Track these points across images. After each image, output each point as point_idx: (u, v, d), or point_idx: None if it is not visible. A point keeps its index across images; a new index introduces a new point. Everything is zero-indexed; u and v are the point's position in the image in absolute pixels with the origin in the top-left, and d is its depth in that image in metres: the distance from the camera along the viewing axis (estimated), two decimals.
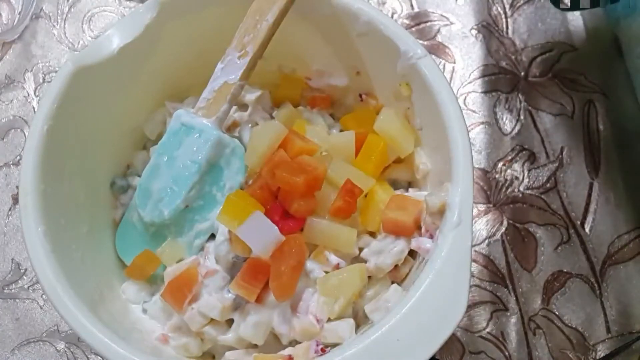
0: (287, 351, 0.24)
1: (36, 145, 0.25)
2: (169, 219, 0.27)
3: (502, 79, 0.36)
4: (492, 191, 0.33)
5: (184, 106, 0.30)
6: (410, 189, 0.28)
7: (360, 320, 0.25)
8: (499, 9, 0.38)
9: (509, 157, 0.34)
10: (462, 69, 0.37)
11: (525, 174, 0.34)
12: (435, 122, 0.25)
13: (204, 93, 0.28)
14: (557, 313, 0.30)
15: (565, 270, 0.31)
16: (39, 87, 0.38)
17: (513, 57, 0.37)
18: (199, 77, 0.28)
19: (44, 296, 0.33)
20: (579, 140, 0.34)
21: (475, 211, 0.33)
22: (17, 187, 0.34)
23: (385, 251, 0.25)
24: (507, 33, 0.37)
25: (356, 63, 0.29)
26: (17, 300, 0.33)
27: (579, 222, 0.32)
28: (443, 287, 0.21)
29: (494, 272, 0.32)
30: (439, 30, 0.38)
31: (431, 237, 0.24)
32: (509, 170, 0.34)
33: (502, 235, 0.32)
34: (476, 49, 0.37)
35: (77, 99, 0.27)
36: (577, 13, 0.37)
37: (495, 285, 0.31)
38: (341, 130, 0.29)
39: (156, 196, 0.27)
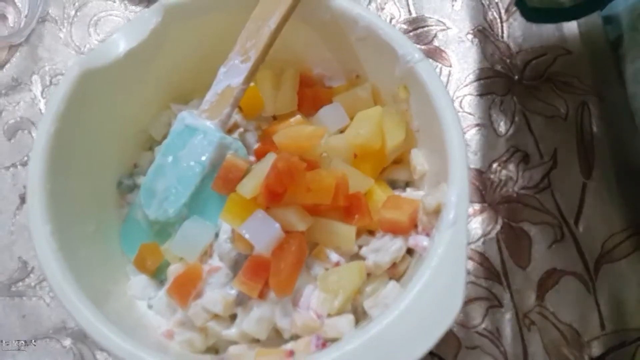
0: (289, 346, 0.24)
1: (43, 147, 0.26)
2: (173, 217, 0.27)
3: (497, 82, 0.37)
4: (487, 191, 0.34)
5: (188, 108, 0.30)
6: (407, 189, 0.29)
7: (360, 316, 0.26)
8: (495, 14, 0.39)
9: (504, 158, 0.35)
10: (458, 73, 0.37)
11: (520, 174, 0.34)
12: (432, 124, 0.25)
13: (207, 96, 0.28)
14: (551, 309, 0.31)
15: (559, 268, 0.32)
16: (45, 89, 0.39)
17: (508, 60, 0.37)
18: (203, 80, 0.29)
19: (50, 294, 0.33)
20: (572, 142, 0.35)
21: (470, 210, 0.33)
22: (25, 186, 0.35)
23: (383, 249, 0.26)
24: (502, 37, 0.38)
25: (355, 67, 0.30)
26: (23, 298, 0.33)
27: (572, 221, 0.33)
28: (440, 283, 0.21)
29: (489, 270, 0.32)
30: (435, 35, 0.39)
31: (428, 235, 0.25)
32: (503, 171, 0.34)
33: (497, 234, 0.33)
34: (472, 53, 0.38)
35: (84, 101, 0.27)
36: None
37: (490, 282, 0.32)
38: None
39: (161, 195, 0.28)
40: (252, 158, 0.29)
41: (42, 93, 0.39)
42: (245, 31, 0.28)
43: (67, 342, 0.32)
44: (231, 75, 0.27)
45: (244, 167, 0.26)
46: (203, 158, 0.27)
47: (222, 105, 0.28)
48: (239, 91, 0.27)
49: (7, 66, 0.40)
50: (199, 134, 0.27)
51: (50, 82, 0.39)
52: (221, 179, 0.26)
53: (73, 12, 0.41)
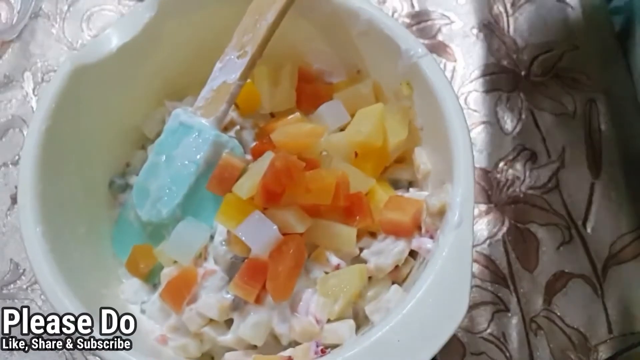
0: (287, 352, 0.24)
1: (35, 145, 0.25)
2: (167, 218, 0.26)
3: (503, 78, 0.36)
4: (493, 191, 0.33)
5: (182, 105, 0.30)
6: (411, 189, 0.28)
7: (361, 321, 0.25)
8: (500, 7, 0.38)
9: (510, 157, 0.34)
10: (463, 68, 0.36)
11: (527, 174, 0.33)
12: (436, 121, 0.25)
13: (202, 92, 0.27)
14: (558, 313, 0.30)
15: (566, 271, 0.31)
16: (37, 86, 0.38)
17: (514, 56, 0.36)
18: (198, 76, 0.28)
19: (42, 296, 0.33)
20: (581, 140, 0.34)
21: (476, 211, 0.32)
22: (16, 186, 0.34)
23: (385, 251, 0.25)
24: (508, 32, 0.37)
25: (357, 62, 0.29)
26: (15, 300, 0.33)
27: (580, 222, 0.32)
28: (444, 287, 0.21)
29: (495, 273, 0.31)
30: (439, 29, 0.38)
31: (432, 237, 0.24)
32: (510, 170, 0.34)
33: (503, 236, 0.32)
34: (477, 48, 0.37)
35: (76, 98, 0.27)
36: (578, 11, 0.37)
37: (496, 285, 0.31)
38: None
39: (154, 195, 0.27)
40: (249, 157, 0.28)
41: (34, 90, 0.38)
42: (241, 25, 0.27)
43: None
44: (227, 71, 0.27)
45: (240, 167, 0.25)
46: (198, 157, 0.26)
47: (217, 102, 0.27)
48: (235, 87, 0.27)
49: None
50: (193, 132, 0.27)
51: (42, 79, 0.39)
52: (216, 179, 0.25)
53: (66, 8, 0.41)
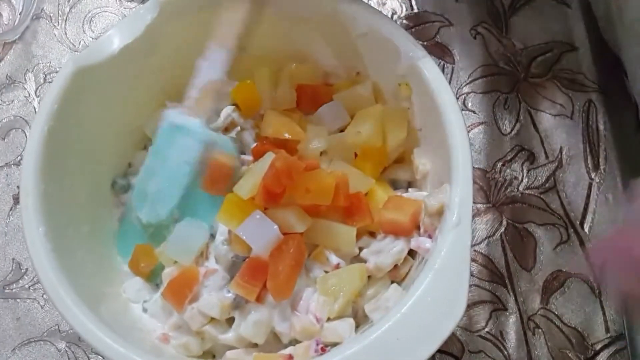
0: (288, 350, 0.24)
1: (37, 146, 0.25)
2: (165, 219, 0.27)
3: (501, 79, 0.36)
4: (491, 191, 0.33)
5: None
6: (410, 189, 0.29)
7: (360, 320, 0.25)
8: (498, 9, 0.38)
9: (509, 157, 0.34)
10: (461, 70, 0.37)
11: (525, 174, 0.34)
12: (434, 122, 0.25)
13: (189, 92, 0.27)
14: (556, 312, 0.30)
15: (564, 270, 0.31)
16: (39, 87, 0.39)
17: (512, 57, 0.37)
18: None
19: (44, 296, 0.33)
20: (578, 140, 0.34)
21: (474, 211, 0.32)
22: (18, 187, 0.34)
23: (384, 251, 0.25)
24: (506, 33, 0.37)
25: (356, 63, 0.29)
26: (17, 300, 0.33)
27: (578, 222, 0.32)
28: (443, 286, 0.21)
29: (493, 272, 0.32)
30: (438, 31, 0.38)
31: (430, 237, 0.25)
32: (508, 170, 0.34)
33: (501, 235, 0.32)
34: (475, 50, 0.37)
35: (78, 99, 0.27)
36: (577, 12, 0.37)
37: (494, 284, 0.31)
38: None
39: (152, 197, 0.27)
40: (250, 157, 0.28)
41: (36, 91, 0.38)
42: (220, 20, 0.27)
43: (62, 345, 0.32)
44: (210, 67, 0.27)
45: (230, 164, 0.26)
46: (191, 157, 0.26)
47: (205, 101, 0.27)
48: (220, 84, 0.27)
49: (1, 64, 0.39)
50: (184, 133, 0.27)
51: (45, 79, 0.39)
52: (208, 180, 0.26)
53: (67, 9, 0.41)
